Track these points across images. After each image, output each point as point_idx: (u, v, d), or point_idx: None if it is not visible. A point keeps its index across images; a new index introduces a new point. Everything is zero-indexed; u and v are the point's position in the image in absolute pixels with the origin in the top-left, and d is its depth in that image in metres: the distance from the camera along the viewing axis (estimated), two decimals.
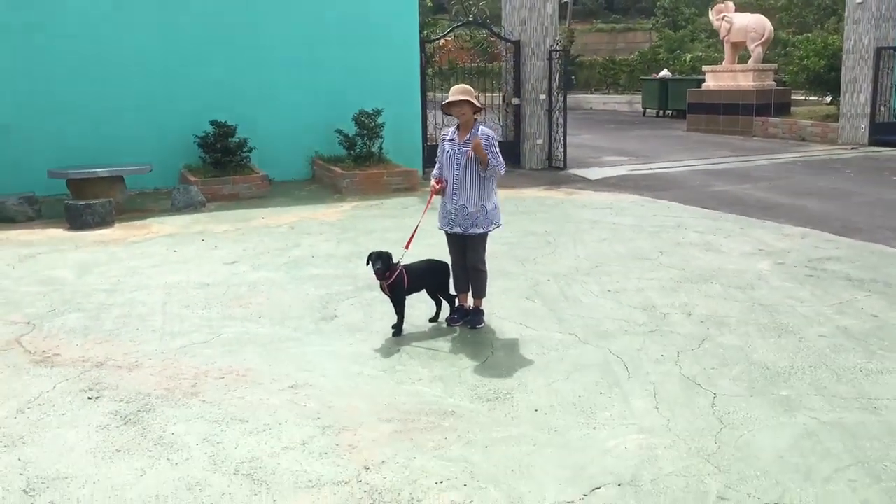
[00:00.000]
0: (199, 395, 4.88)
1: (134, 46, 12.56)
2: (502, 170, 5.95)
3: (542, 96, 15.19)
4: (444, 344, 5.73)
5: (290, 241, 9.18)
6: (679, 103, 25.69)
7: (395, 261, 5.86)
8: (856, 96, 18.23)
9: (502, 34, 15.35)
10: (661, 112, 27.82)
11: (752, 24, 21.58)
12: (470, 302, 6.17)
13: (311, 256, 8.40)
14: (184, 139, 12.66)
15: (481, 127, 5.99)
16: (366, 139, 13.00)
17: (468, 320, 6.08)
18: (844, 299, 6.56)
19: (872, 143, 17.80)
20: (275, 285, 7.32)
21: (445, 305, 6.21)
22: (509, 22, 15.32)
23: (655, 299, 6.65)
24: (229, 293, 7.08)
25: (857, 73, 18.13)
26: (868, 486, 3.65)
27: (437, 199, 6.10)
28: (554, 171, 14.94)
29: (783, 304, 6.46)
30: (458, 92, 5.88)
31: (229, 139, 12.41)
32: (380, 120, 12.96)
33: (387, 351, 5.59)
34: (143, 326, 6.21)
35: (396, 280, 5.83)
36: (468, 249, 6.03)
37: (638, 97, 30.21)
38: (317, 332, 6.05)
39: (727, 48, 22.53)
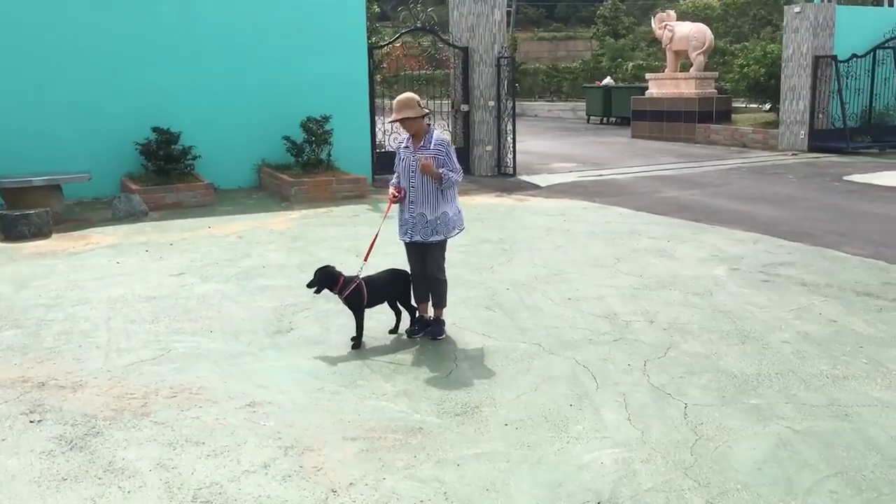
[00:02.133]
0: (150, 415, 4.61)
1: (69, 46, 12.09)
2: (459, 177, 5.82)
3: (491, 103, 15.13)
4: (405, 356, 5.55)
5: (239, 251, 8.90)
6: (622, 110, 26.00)
7: (355, 273, 5.68)
8: (795, 103, 18.62)
9: (450, 41, 15.24)
10: (605, 119, 28.11)
11: (694, 33, 21.94)
12: (430, 312, 6.02)
13: (262, 267, 8.14)
14: (124, 146, 12.24)
15: (435, 133, 5.83)
16: (314, 146, 12.76)
17: (429, 331, 5.92)
18: (802, 304, 6.58)
19: (812, 149, 18.20)
20: (225, 298, 7.04)
21: (405, 316, 6.04)
22: (457, 28, 15.22)
23: (617, 307, 6.58)
24: (177, 306, 6.79)
25: (796, 81, 18.53)
26: (850, 497, 3.59)
27: (394, 207, 5.94)
28: (503, 177, 14.89)
29: (743, 310, 6.45)
30: (398, 108, 5.65)
31: (172, 146, 12.04)
32: (328, 126, 12.73)
33: (347, 365, 5.39)
34: (87, 343, 5.89)
35: (353, 293, 5.64)
36: (427, 258, 5.87)
37: (582, 104, 30.47)
38: (272, 346, 5.82)
39: (669, 56, 22.85)
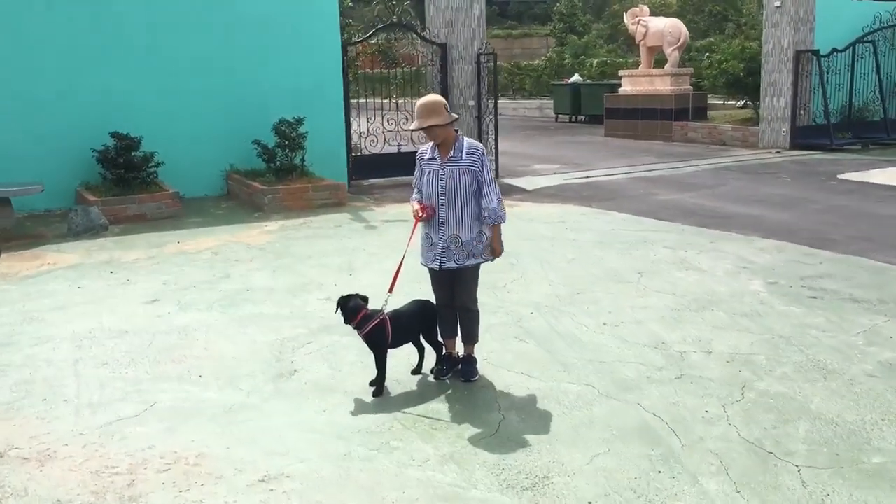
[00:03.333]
0: (141, 499, 3.70)
1: (16, 45, 10.96)
2: (500, 195, 5.07)
3: (472, 102, 14.31)
4: (439, 406, 4.70)
5: (217, 270, 7.94)
6: (592, 108, 25.37)
7: (380, 307, 4.82)
8: (776, 100, 18.14)
9: (428, 36, 14.36)
10: (575, 118, 27.46)
11: (669, 28, 21.35)
12: (459, 349, 5.18)
13: (247, 290, 7.21)
14: (79, 153, 11.15)
15: (466, 140, 5.00)
16: (287, 151, 11.79)
17: (459, 371, 5.08)
18: (867, 326, 5.89)
19: (794, 146, 17.72)
20: (211, 330, 6.10)
21: (428, 352, 5.19)
22: (434, 24, 14.36)
23: (662, 334, 5.81)
24: (156, 344, 5.84)
25: (776, 77, 18.03)
26: None
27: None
28: None
29: (805, 335, 5.72)
30: (423, 114, 4.79)
31: (133, 153, 10.98)
32: (302, 129, 11.77)
33: (373, 418, 4.52)
34: (53, 395, 4.93)
35: (375, 330, 4.77)
36: (457, 286, 5.04)
37: (548, 102, 29.79)
38: (277, 394, 4.92)
39: (643, 52, 22.24)
